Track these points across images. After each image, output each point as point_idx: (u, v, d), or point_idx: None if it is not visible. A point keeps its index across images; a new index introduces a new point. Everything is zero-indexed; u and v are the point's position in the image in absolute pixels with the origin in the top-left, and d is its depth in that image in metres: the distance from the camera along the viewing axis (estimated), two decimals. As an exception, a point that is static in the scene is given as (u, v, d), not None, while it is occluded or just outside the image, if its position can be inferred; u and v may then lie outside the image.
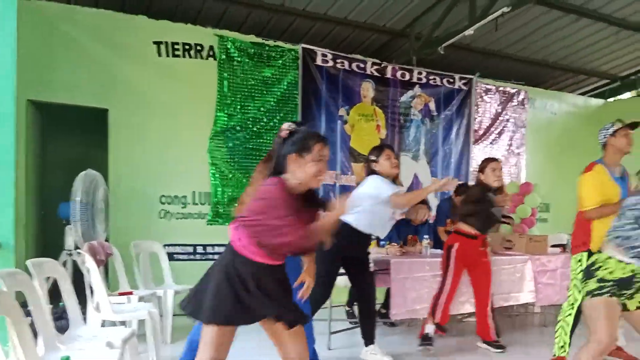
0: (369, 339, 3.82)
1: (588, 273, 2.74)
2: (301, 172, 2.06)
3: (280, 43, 5.74)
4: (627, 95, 8.26)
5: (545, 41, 6.60)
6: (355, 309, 5.04)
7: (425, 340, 4.06)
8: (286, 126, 2.16)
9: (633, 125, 3.43)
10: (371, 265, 3.90)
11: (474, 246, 4.10)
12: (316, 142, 2.09)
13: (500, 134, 7.18)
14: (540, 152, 7.47)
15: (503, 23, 5.69)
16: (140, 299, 3.85)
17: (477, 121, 6.96)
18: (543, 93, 7.58)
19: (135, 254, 4.33)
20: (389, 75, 6.25)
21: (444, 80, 6.61)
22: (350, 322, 4.95)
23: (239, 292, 2.01)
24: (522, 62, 7.05)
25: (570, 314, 3.49)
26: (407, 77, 6.37)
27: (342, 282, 4.06)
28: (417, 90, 6.43)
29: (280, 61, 5.70)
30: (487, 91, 7.03)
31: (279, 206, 1.95)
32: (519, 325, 5.22)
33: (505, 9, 4.85)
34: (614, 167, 3.39)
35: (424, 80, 6.48)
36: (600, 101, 8.14)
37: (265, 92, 5.63)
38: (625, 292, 2.68)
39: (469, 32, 5.29)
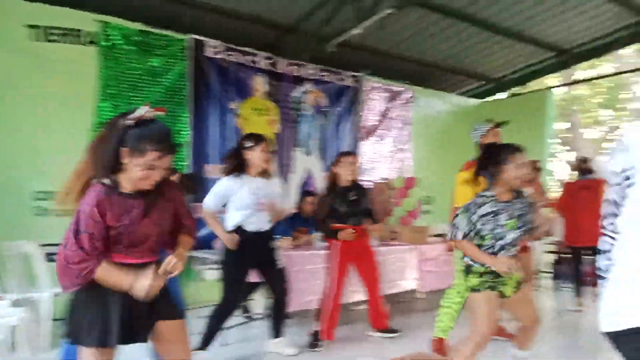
0: (278, 333, 3.86)
1: (467, 269, 2.92)
2: (129, 171, 1.86)
3: (168, 32, 5.54)
4: (500, 95, 9.03)
5: (429, 43, 7.00)
6: (251, 304, 5.05)
7: (315, 339, 4.10)
8: (141, 111, 1.89)
9: (501, 124, 3.76)
10: (280, 260, 3.88)
11: (358, 241, 4.17)
12: (154, 150, 1.83)
13: (387, 130, 7.51)
14: (424, 148, 7.92)
15: (390, 23, 5.96)
16: (15, 303, 3.55)
17: (365, 118, 7.21)
18: (427, 92, 8.04)
19: (7, 255, 3.97)
20: (281, 70, 6.28)
21: (335, 77, 6.78)
22: (245, 317, 4.93)
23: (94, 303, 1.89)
24: (408, 61, 7.42)
25: (459, 302, 3.70)
26: (299, 72, 6.45)
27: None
28: (308, 85, 6.53)
29: (168, 51, 5.50)
30: (375, 89, 7.32)
31: (76, 217, 1.82)
32: (405, 311, 5.49)
33: (388, 10, 5.07)
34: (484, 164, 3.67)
35: (316, 77, 6.60)
36: (477, 101, 8.82)
37: (152, 83, 5.40)
38: (498, 280, 2.87)
39: (357, 31, 5.46)
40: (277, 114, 6.22)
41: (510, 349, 3.24)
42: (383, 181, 7.46)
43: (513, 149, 2.83)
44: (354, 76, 6.97)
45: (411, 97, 7.77)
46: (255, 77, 6.04)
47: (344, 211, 4.09)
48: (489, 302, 2.85)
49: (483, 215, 2.78)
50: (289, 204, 6.12)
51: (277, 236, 4.81)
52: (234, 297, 3.64)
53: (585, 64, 8.91)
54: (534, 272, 4.31)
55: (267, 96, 6.15)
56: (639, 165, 1.47)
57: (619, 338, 1.48)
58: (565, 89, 12.87)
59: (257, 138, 3.68)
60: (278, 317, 3.86)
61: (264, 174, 3.70)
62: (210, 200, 3.65)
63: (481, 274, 2.86)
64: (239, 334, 4.44)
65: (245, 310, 5.06)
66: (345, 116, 6.94)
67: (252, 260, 3.67)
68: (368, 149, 7.20)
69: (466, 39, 6.98)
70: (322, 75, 6.67)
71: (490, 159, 2.87)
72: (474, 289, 2.87)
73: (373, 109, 7.34)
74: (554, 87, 9.19)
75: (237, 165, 3.62)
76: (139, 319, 1.97)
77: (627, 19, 6.57)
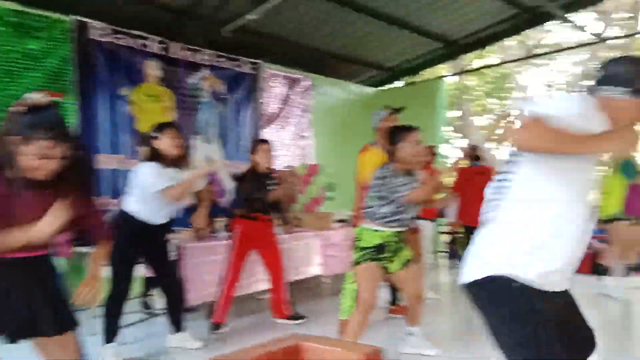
0: (178, 327, 3.76)
1: (353, 246, 3.20)
2: (22, 160, 1.76)
3: (48, 13, 5.07)
4: (397, 84, 9.35)
5: (325, 31, 7.05)
6: (151, 299, 4.83)
7: (217, 327, 4.09)
8: (34, 98, 1.84)
9: (398, 110, 3.96)
10: (172, 253, 3.80)
11: (257, 228, 4.22)
12: (45, 138, 1.74)
13: (288, 118, 7.49)
14: (325, 135, 8.01)
15: (286, 10, 5.91)
16: None
17: (265, 105, 7.14)
18: (326, 81, 8.12)
19: None
20: (174, 55, 6.00)
21: (232, 64, 6.62)
22: (145, 313, 4.73)
23: None
24: (306, 50, 7.43)
25: (355, 281, 3.83)
26: (194, 58, 6.21)
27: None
28: (205, 72, 6.31)
29: (48, 33, 5.04)
30: (274, 76, 7.26)
31: None
32: (312, 296, 5.55)
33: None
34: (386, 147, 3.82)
35: (213, 63, 6.39)
36: (374, 89, 9.06)
37: (31, 68, 4.92)
38: (382, 256, 3.14)
39: (251, 16, 5.34)
40: (172, 101, 5.95)
41: (404, 325, 3.53)
42: (287, 169, 7.46)
43: (407, 128, 3.07)
44: (252, 63, 6.84)
45: (310, 85, 7.80)
46: (147, 62, 5.72)
47: (262, 198, 4.14)
48: (369, 270, 3.12)
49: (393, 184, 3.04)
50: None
51: (179, 228, 4.68)
52: (122, 286, 3.47)
53: (473, 54, 9.45)
54: (422, 253, 4.61)
55: (161, 82, 5.85)
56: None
57: (474, 287, 1.69)
58: (457, 78, 13.65)
59: (162, 126, 3.53)
60: (175, 312, 3.77)
61: (179, 162, 3.52)
62: (158, 181, 3.35)
63: (362, 248, 3.13)
64: (140, 331, 4.24)
65: (146, 306, 4.84)
66: (244, 103, 6.81)
67: (141, 250, 3.55)
68: (270, 136, 7.15)
69: (361, 29, 7.10)
70: (219, 61, 6.47)
71: (388, 139, 3.08)
72: (357, 262, 3.15)
73: (273, 96, 7.28)
74: (444, 76, 9.69)
75: (151, 154, 3.45)
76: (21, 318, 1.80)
77: (507, 11, 7.05)
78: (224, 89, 6.53)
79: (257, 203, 4.16)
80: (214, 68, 6.39)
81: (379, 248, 3.13)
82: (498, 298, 1.64)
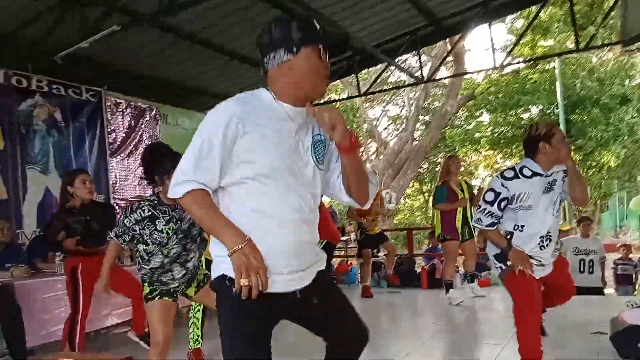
0: None
1: (142, 278, 2.97)
2: None
3: None
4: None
5: (170, 62, 7.05)
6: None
7: None
8: None
9: None
10: None
11: (98, 262, 4.02)
12: None
13: (136, 147, 7.30)
14: (176, 165, 7.88)
15: (123, 40, 5.79)
16: None
17: (111, 134, 6.91)
18: (173, 110, 8.08)
19: None
20: (1, 80, 5.58)
21: (70, 91, 6.33)
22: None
23: None
24: (151, 79, 7.35)
25: (199, 310, 3.84)
26: (25, 84, 5.85)
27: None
28: (38, 99, 5.97)
29: None
30: (118, 105, 7.07)
31: None
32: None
33: (115, 27, 4.91)
34: None
35: (46, 89, 6.07)
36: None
37: None
38: (171, 287, 2.96)
39: (84, 44, 5.15)
40: (-1, 129, 5.50)
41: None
42: (136, 198, 7.20)
43: (178, 156, 2.91)
44: (91, 90, 6.57)
45: (156, 114, 7.68)
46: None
47: (81, 232, 3.90)
48: (161, 309, 2.89)
49: (139, 220, 2.85)
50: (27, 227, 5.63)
51: (8, 265, 4.31)
52: None
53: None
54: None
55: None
56: None
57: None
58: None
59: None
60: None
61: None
62: None
63: (150, 283, 2.91)
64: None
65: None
66: (87, 132, 6.53)
67: None
68: (117, 165, 6.89)
69: (204, 61, 7.22)
70: (54, 88, 6.14)
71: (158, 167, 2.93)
72: (147, 298, 2.90)
73: (119, 125, 7.07)
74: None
75: None
76: None
77: (339, 54, 7.69)
78: (61, 117, 6.19)
79: (90, 237, 3.93)
80: (48, 95, 6.08)
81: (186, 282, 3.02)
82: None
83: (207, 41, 6.61)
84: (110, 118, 6.91)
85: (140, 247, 2.89)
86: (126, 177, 7.14)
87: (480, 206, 2.97)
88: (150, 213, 2.83)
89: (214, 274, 1.64)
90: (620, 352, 3.44)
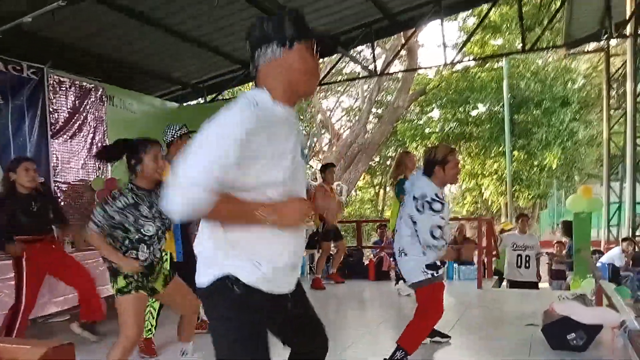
0: None
1: (112, 271, 2.83)
2: None
3: None
4: (198, 100, 9.40)
5: (119, 41, 6.83)
6: None
7: None
8: None
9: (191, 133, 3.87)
10: None
11: (42, 249, 3.89)
12: None
13: (80, 128, 7.02)
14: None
15: (70, 16, 5.55)
16: None
17: (54, 114, 6.62)
18: (121, 91, 7.80)
19: None
20: None
21: (9, 67, 5.99)
22: None
23: None
24: (97, 57, 7.09)
25: (154, 301, 3.74)
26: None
27: None
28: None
29: None
30: (61, 83, 6.75)
31: None
32: (114, 316, 5.23)
33: (61, 2, 4.69)
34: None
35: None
36: (175, 104, 8.98)
37: None
38: (149, 279, 2.94)
39: (27, 19, 4.90)
40: None
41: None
42: (79, 182, 6.95)
43: (147, 143, 2.87)
44: (33, 67, 6.25)
45: (103, 95, 7.40)
46: None
47: (26, 222, 3.79)
48: (137, 303, 2.84)
49: (122, 208, 2.78)
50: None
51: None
52: None
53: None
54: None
55: None
56: None
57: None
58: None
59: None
60: None
61: None
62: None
63: (126, 275, 2.81)
64: None
65: None
66: (27, 112, 6.19)
67: None
68: (60, 147, 6.61)
69: (155, 42, 7.05)
70: (-8, 64, 5.81)
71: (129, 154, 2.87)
72: (121, 292, 2.81)
73: (62, 104, 6.76)
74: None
75: None
76: None
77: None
78: (0, 96, 5.85)
79: (25, 227, 3.79)
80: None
81: (147, 271, 2.91)
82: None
83: (159, 21, 6.44)
84: (52, 97, 6.58)
85: (119, 234, 2.79)
86: (69, 160, 6.84)
87: None
88: (133, 200, 2.77)
89: (210, 274, 1.55)
90: (551, 342, 3.64)
